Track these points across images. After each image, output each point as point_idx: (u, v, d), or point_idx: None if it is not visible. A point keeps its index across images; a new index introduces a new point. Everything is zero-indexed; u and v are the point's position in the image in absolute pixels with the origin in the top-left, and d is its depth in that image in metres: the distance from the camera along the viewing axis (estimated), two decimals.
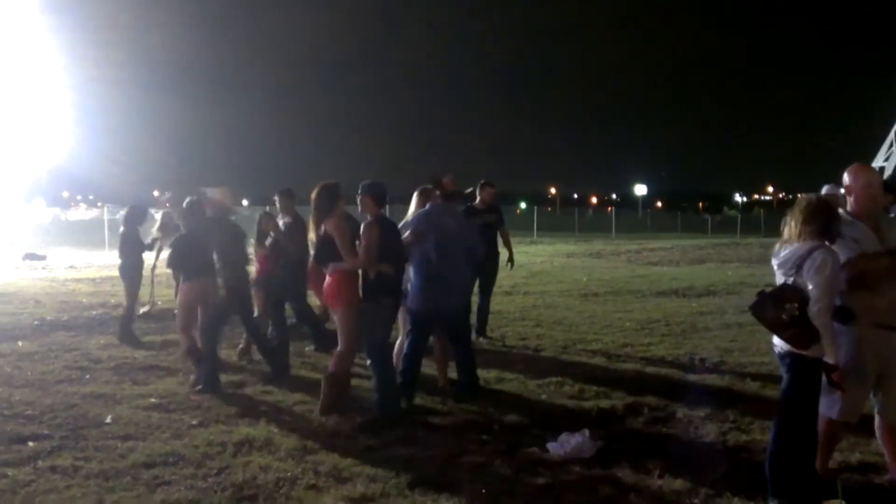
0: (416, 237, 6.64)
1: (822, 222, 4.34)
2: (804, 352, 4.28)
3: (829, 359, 4.22)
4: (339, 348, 6.42)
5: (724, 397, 6.85)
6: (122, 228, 10.04)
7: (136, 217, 10.07)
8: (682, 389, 7.13)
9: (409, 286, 6.73)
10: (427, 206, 6.92)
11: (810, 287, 4.23)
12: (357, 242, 6.33)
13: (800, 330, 4.26)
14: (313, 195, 6.38)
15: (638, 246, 30.38)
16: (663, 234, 46.16)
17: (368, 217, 6.38)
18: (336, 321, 6.50)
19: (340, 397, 6.39)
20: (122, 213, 9.98)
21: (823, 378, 4.30)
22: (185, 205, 7.49)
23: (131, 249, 9.76)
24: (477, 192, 9.66)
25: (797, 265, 4.29)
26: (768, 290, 4.40)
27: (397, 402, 6.36)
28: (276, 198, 9.03)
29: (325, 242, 6.29)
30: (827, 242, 4.33)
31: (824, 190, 7.42)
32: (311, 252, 6.67)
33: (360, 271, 6.29)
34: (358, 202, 6.50)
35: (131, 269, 9.76)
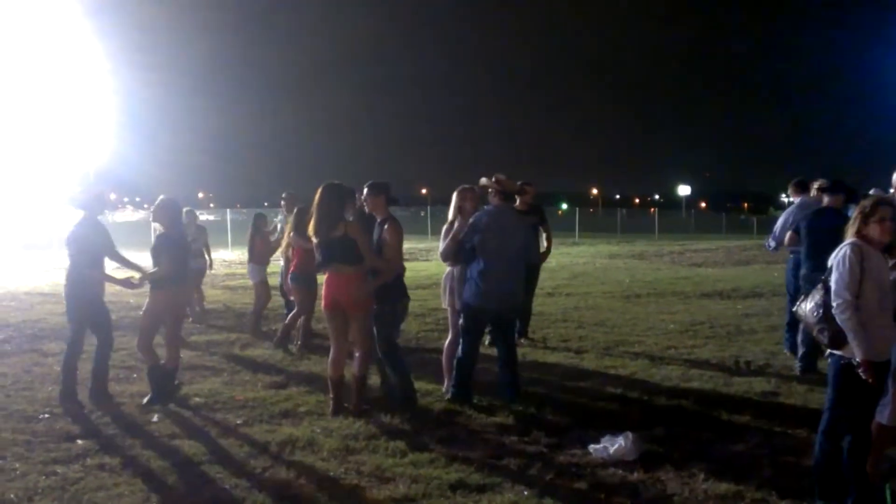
0: (479, 236, 6.65)
1: (854, 219, 4.32)
2: (838, 351, 4.24)
3: (857, 357, 4.15)
4: (361, 350, 6.50)
5: (770, 400, 6.76)
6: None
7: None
8: (727, 392, 7.04)
9: (464, 285, 6.75)
10: (488, 207, 6.89)
11: (832, 284, 4.21)
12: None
13: (826, 328, 4.26)
14: (320, 196, 6.42)
15: (681, 247, 30.07)
16: (707, 235, 45.63)
17: (379, 217, 6.65)
18: (354, 324, 6.47)
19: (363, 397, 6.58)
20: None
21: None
22: (160, 205, 7.28)
23: None
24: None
25: (831, 263, 4.30)
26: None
27: (414, 391, 6.68)
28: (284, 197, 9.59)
29: (342, 244, 6.31)
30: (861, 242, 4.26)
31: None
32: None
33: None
34: (365, 201, 6.77)
35: None
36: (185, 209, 11.07)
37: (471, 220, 6.77)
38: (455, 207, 7.00)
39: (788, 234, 8.32)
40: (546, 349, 9.19)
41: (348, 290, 6.36)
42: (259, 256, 10.69)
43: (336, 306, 6.43)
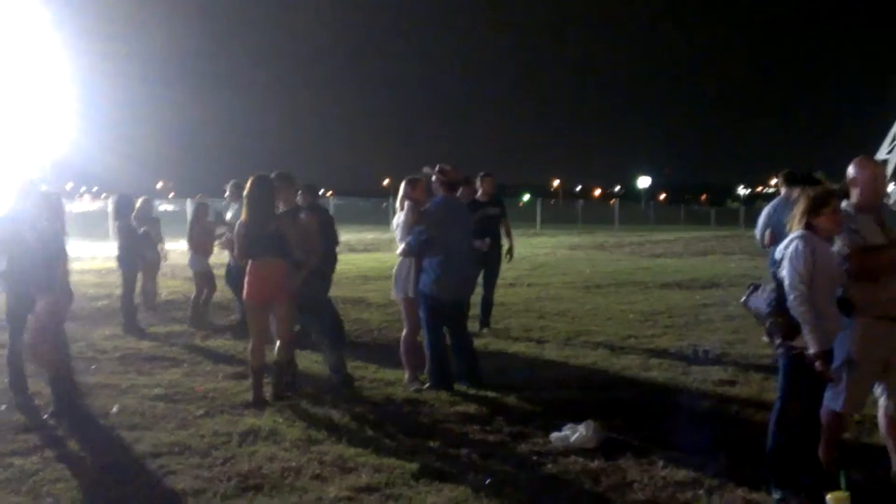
0: (437, 227, 6.68)
1: (804, 211, 4.39)
2: (790, 343, 4.33)
3: (811, 349, 4.24)
4: (285, 337, 6.66)
5: (726, 389, 6.88)
6: (115, 220, 10.36)
7: (124, 206, 10.56)
8: (685, 381, 7.15)
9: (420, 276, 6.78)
10: (440, 197, 6.89)
11: (786, 277, 4.28)
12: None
13: (779, 321, 4.33)
14: (251, 189, 6.49)
15: (641, 238, 30.40)
16: (666, 227, 46.11)
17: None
18: (280, 313, 6.62)
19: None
20: (111, 205, 10.37)
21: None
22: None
23: (125, 239, 10.21)
24: (478, 184, 9.67)
25: (781, 255, 4.37)
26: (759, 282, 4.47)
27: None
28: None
29: (273, 238, 6.43)
30: (810, 231, 4.34)
31: None
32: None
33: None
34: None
35: (127, 259, 10.22)
36: (141, 198, 10.98)
37: (423, 212, 6.78)
38: (402, 198, 6.99)
39: (768, 233, 7.75)
40: (508, 339, 9.24)
41: (278, 280, 6.46)
42: (200, 246, 10.52)
43: (262, 297, 6.50)
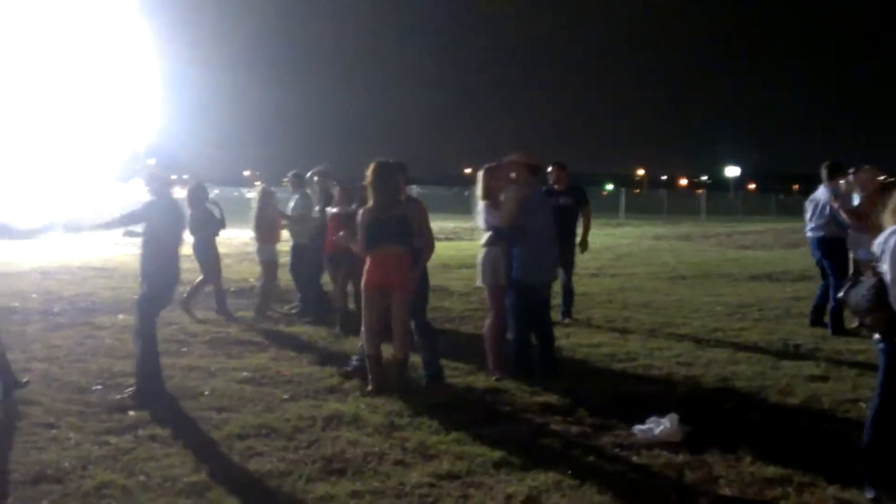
0: (530, 214, 6.73)
1: None
2: (892, 339, 4.17)
3: None
4: (404, 330, 6.50)
5: (819, 384, 6.65)
6: (189, 209, 10.17)
7: (199, 195, 10.20)
8: (775, 375, 6.95)
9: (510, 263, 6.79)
10: (527, 184, 6.88)
11: (888, 271, 4.11)
12: None
13: (879, 316, 4.18)
14: (375, 174, 6.38)
15: (729, 229, 29.60)
16: (756, 218, 44.84)
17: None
18: (399, 304, 6.42)
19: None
20: (185, 193, 10.07)
21: None
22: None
23: (199, 228, 9.94)
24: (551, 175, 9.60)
25: (881, 250, 4.19)
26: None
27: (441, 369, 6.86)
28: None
29: (398, 223, 6.34)
30: None
31: None
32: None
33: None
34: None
35: (203, 247, 10.01)
36: (193, 183, 10.43)
37: (513, 200, 6.74)
38: (486, 188, 6.96)
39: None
40: (590, 330, 9.15)
41: (400, 270, 6.37)
42: (266, 234, 10.35)
43: (381, 286, 6.38)
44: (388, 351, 6.54)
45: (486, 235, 6.92)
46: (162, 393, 6.28)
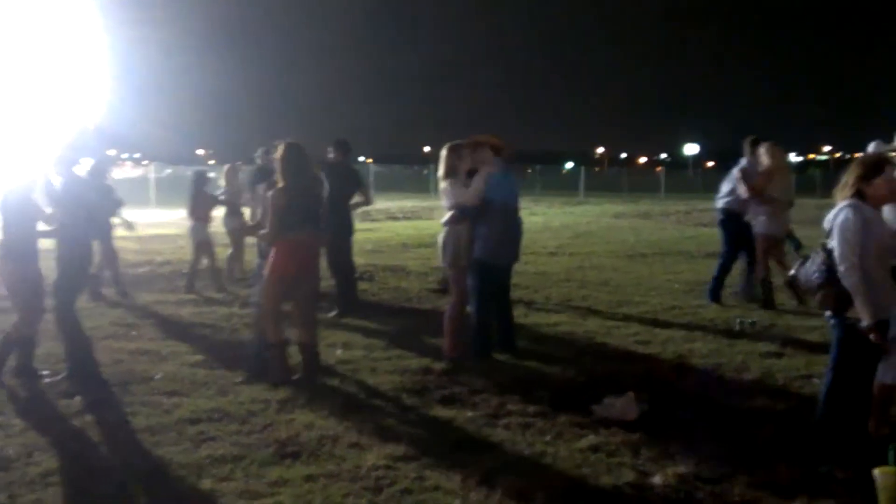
0: (491, 194, 6.67)
1: (858, 177, 4.23)
2: (842, 315, 4.20)
3: (864, 320, 4.10)
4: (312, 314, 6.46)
5: (773, 361, 6.72)
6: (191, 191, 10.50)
7: (201, 181, 10.67)
8: (730, 352, 7.00)
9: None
10: (493, 163, 6.81)
11: (836, 247, 4.14)
12: None
13: (829, 292, 4.21)
14: (294, 155, 6.21)
15: (688, 206, 29.90)
16: (714, 195, 45.31)
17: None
18: (313, 291, 6.46)
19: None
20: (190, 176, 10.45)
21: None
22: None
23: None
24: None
25: (830, 226, 4.22)
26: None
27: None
28: (331, 149, 9.03)
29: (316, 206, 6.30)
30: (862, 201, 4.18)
31: (871, 147, 7.11)
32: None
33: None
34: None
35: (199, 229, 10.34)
36: (97, 159, 9.82)
37: (489, 177, 6.66)
38: (449, 166, 6.86)
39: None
40: (549, 309, 9.14)
41: (314, 256, 6.37)
42: (201, 215, 10.40)
43: (295, 274, 6.18)
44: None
45: (449, 214, 6.84)
46: (96, 376, 6.14)
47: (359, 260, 10.72)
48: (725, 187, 9.46)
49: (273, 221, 6.07)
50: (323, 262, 9.08)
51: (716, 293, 9.35)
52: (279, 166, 6.17)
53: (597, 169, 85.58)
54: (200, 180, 10.67)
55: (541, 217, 23.58)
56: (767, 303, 8.96)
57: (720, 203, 9.52)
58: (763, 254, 9.13)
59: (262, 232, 6.27)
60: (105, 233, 9.81)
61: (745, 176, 9.03)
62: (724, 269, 9.46)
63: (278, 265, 6.11)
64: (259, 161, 9.43)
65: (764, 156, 8.94)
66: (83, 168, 6.53)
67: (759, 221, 9.01)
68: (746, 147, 9.34)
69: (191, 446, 4.80)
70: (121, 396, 5.75)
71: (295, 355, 6.32)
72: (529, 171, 52.34)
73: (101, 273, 9.81)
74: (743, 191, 8.98)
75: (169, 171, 38.82)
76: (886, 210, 4.35)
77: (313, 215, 6.21)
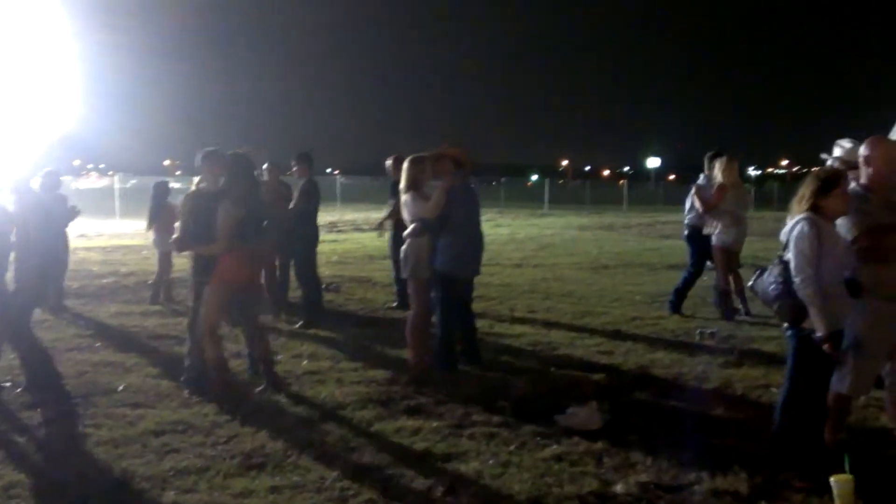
0: (453, 206, 6.68)
1: (813, 191, 4.35)
2: (798, 326, 4.31)
3: (819, 331, 4.21)
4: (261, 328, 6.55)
5: (732, 370, 6.84)
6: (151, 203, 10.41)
7: (162, 191, 10.56)
8: (691, 362, 7.12)
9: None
10: (455, 175, 6.83)
11: (792, 259, 4.26)
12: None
13: (786, 303, 4.31)
14: (244, 167, 6.23)
15: (650, 219, 30.28)
16: (676, 207, 45.85)
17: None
18: (257, 302, 6.57)
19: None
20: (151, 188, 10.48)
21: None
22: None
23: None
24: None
25: (786, 239, 4.34)
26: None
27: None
28: (293, 162, 9.03)
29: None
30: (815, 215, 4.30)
31: (836, 152, 7.16)
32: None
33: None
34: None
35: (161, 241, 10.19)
36: (45, 169, 9.86)
37: (444, 191, 6.69)
38: (410, 179, 6.87)
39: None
40: (513, 320, 9.21)
41: (259, 266, 6.57)
42: (164, 226, 10.11)
43: (241, 283, 6.16)
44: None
45: (411, 226, 6.86)
46: (59, 388, 6.08)
47: (325, 271, 10.75)
48: (688, 203, 9.65)
49: (225, 232, 5.98)
50: (292, 274, 9.16)
51: (677, 305, 9.50)
52: (227, 177, 6.13)
53: (560, 181, 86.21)
54: (162, 191, 10.58)
55: (506, 229, 23.73)
56: (727, 314, 9.12)
57: (686, 219, 9.72)
58: (722, 265, 9.31)
59: (214, 245, 6.08)
60: (61, 243, 9.65)
61: (700, 191, 9.24)
62: (688, 284, 9.63)
63: (228, 272, 6.02)
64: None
65: (717, 171, 9.14)
66: (35, 182, 6.48)
67: (716, 234, 9.22)
68: (706, 162, 9.54)
69: (155, 458, 4.78)
70: (84, 408, 5.70)
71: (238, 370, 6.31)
72: (493, 183, 52.57)
73: (64, 285, 9.71)
74: (699, 206, 9.20)
75: (134, 181, 38.30)
76: (839, 223, 4.47)
77: (260, 225, 6.22)
